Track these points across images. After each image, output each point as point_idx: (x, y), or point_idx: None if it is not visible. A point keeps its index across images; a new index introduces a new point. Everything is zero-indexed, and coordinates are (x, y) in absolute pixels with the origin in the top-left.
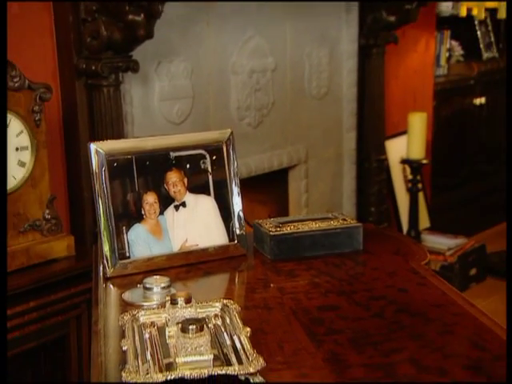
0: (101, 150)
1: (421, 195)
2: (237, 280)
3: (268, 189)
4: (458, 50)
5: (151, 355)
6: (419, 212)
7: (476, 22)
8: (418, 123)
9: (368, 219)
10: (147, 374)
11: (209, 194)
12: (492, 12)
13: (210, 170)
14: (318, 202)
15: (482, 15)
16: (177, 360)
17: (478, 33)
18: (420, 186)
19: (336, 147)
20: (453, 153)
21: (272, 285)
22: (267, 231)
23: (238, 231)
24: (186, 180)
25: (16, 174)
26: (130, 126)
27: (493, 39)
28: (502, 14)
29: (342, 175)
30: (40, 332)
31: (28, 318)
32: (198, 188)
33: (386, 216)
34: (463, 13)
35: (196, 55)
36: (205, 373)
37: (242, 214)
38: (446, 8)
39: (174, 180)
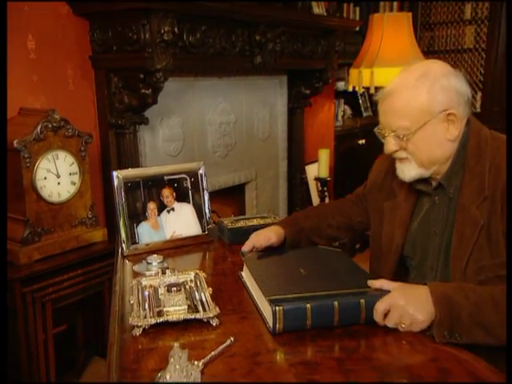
0: (120, 176)
1: (327, 199)
2: (206, 257)
3: (232, 196)
4: (348, 111)
5: (148, 306)
6: None
7: (358, 95)
8: (325, 155)
9: None
10: (145, 317)
11: (189, 202)
12: (367, 89)
13: (189, 187)
14: (264, 205)
15: (361, 90)
16: (164, 309)
17: (360, 101)
18: (326, 193)
19: (274, 170)
20: (346, 173)
21: (229, 259)
22: (226, 225)
23: (207, 226)
24: (174, 194)
25: (69, 190)
26: (143, 158)
27: (368, 104)
28: (372, 90)
29: (278, 188)
30: (85, 289)
31: (78, 280)
32: (182, 198)
33: None
34: (350, 89)
35: (185, 114)
36: (181, 317)
37: (210, 215)
38: (340, 85)
39: (167, 194)
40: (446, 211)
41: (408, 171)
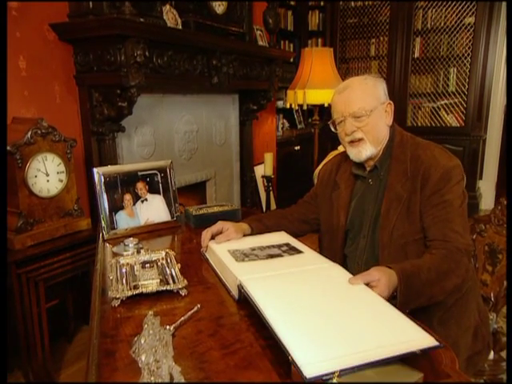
0: (100, 172)
1: (271, 193)
2: (175, 239)
3: (196, 191)
4: (287, 124)
5: (125, 281)
6: (271, 201)
7: (294, 111)
8: (269, 158)
9: (246, 205)
10: (122, 291)
11: (160, 194)
12: (301, 106)
13: (160, 181)
14: (221, 198)
15: (296, 107)
16: (139, 283)
17: (295, 116)
18: (271, 188)
19: (230, 170)
20: (286, 172)
21: (194, 240)
22: (191, 213)
23: (175, 213)
24: (147, 187)
25: (57, 186)
26: (121, 160)
27: (301, 118)
28: (304, 106)
29: (233, 184)
30: (73, 269)
31: (66, 262)
32: (154, 191)
33: (254, 203)
34: (288, 106)
35: (156, 124)
36: (154, 289)
37: (177, 204)
38: (280, 104)
39: (141, 187)
40: (377, 190)
41: (364, 150)
